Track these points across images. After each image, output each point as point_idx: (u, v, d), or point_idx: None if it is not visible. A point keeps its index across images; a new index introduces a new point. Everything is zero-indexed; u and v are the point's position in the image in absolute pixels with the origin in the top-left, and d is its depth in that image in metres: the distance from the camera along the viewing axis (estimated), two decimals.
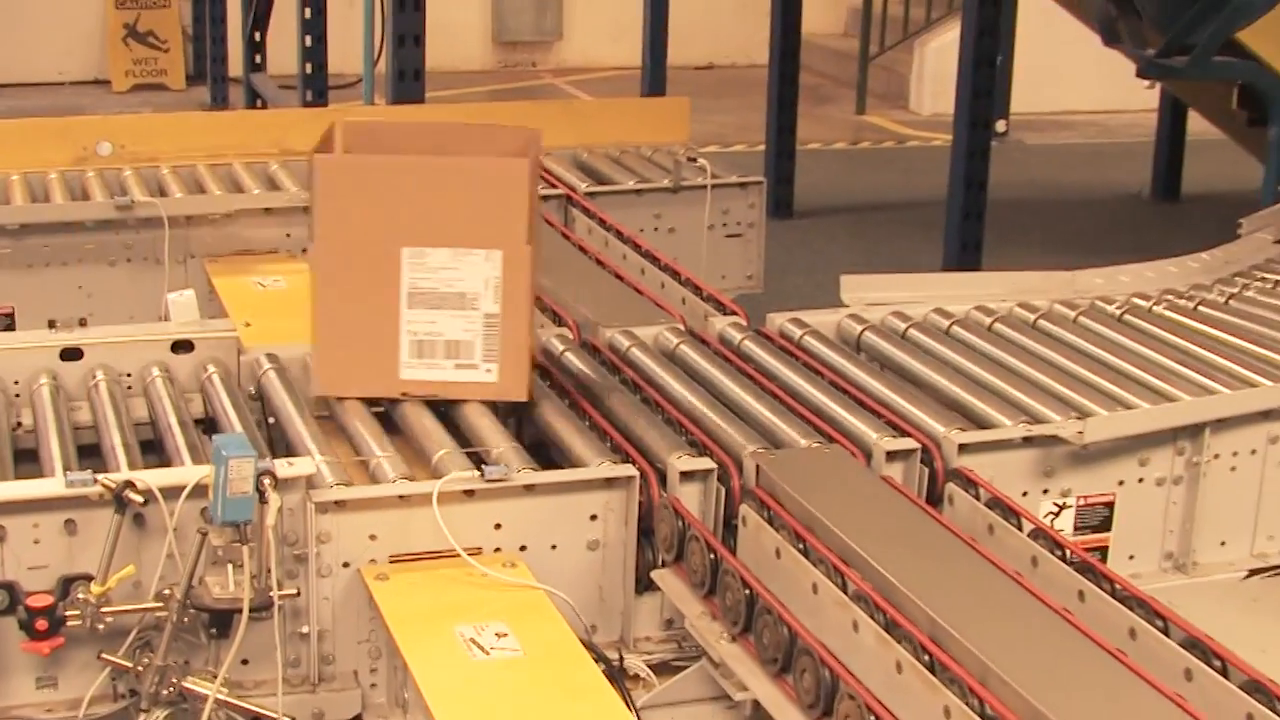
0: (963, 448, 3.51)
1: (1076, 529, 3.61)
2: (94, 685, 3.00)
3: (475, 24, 14.65)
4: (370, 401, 3.72)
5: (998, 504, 3.36)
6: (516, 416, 3.81)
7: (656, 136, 6.48)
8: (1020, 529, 3.27)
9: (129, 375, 3.88)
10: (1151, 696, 2.61)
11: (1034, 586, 2.98)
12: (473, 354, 3.64)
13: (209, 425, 3.74)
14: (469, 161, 3.69)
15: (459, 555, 3.12)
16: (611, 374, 3.94)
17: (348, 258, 3.63)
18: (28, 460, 3.56)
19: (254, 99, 10.58)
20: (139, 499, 2.94)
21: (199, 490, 2.96)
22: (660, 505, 3.31)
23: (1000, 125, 11.47)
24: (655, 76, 9.44)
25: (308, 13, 9.16)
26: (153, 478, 3.01)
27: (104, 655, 2.96)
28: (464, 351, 3.64)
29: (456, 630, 2.92)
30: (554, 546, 3.25)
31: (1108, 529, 3.64)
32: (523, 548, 3.22)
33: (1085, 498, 3.62)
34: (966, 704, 2.57)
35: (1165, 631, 2.87)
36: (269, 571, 2.96)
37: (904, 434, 3.56)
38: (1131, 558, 3.68)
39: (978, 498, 3.39)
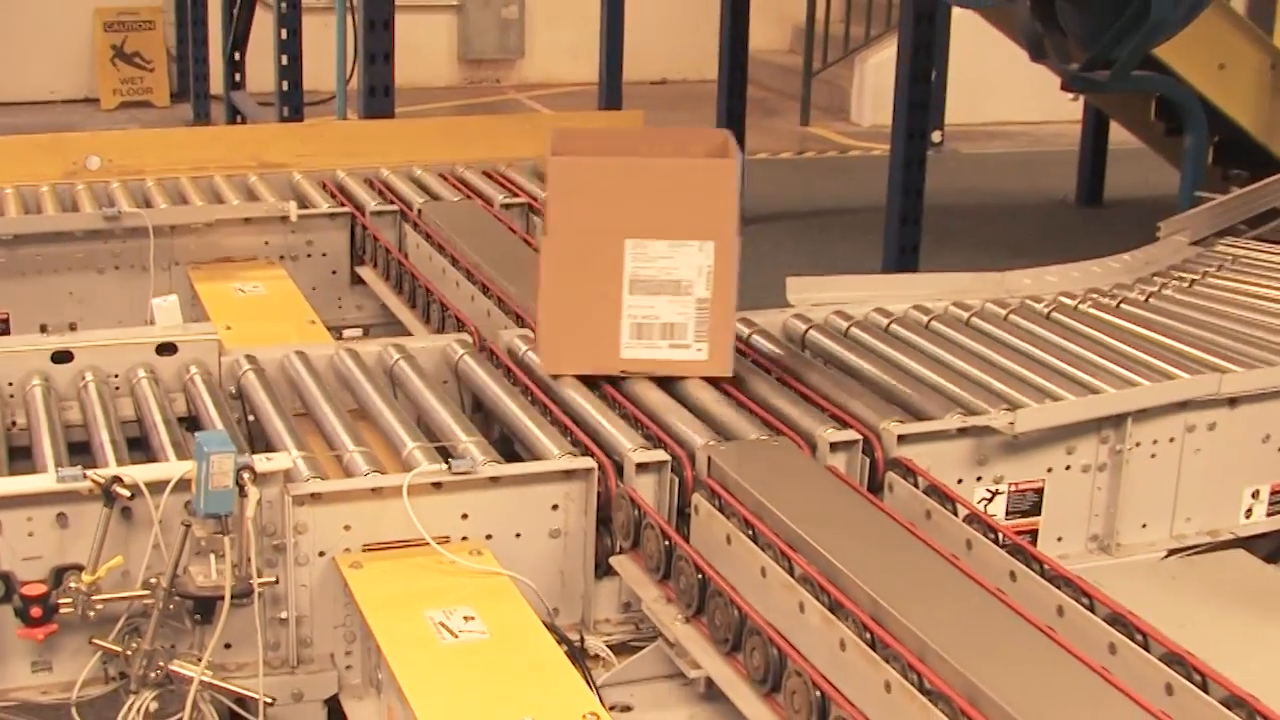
0: (902, 439, 3.51)
1: (1008, 514, 3.62)
2: (86, 669, 2.99)
3: (442, 43, 14.58)
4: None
5: (935, 491, 3.37)
6: (483, 413, 3.80)
7: None
8: (956, 514, 3.28)
9: (116, 376, 3.86)
10: (1079, 669, 2.62)
11: (969, 568, 2.99)
12: (686, 335, 3.73)
13: (191, 423, 3.71)
14: (685, 162, 3.84)
15: (428, 544, 3.11)
16: None
17: (575, 249, 3.72)
18: (22, 457, 3.54)
19: (234, 115, 10.52)
20: (126, 493, 2.92)
21: (183, 484, 2.95)
22: (618, 495, 3.31)
23: (936, 136, 11.49)
24: (612, 91, 9.40)
25: (284, 34, 9.12)
26: (139, 473, 2.99)
27: (95, 640, 2.95)
28: (678, 333, 3.73)
29: (426, 614, 2.91)
30: (518, 535, 3.25)
31: (1037, 513, 3.65)
32: (488, 536, 3.21)
33: (1016, 484, 3.63)
34: (906, 679, 2.57)
35: (1091, 609, 2.89)
36: (249, 560, 2.95)
37: (846, 426, 3.56)
38: (1060, 540, 3.69)
39: (916, 485, 3.40)
